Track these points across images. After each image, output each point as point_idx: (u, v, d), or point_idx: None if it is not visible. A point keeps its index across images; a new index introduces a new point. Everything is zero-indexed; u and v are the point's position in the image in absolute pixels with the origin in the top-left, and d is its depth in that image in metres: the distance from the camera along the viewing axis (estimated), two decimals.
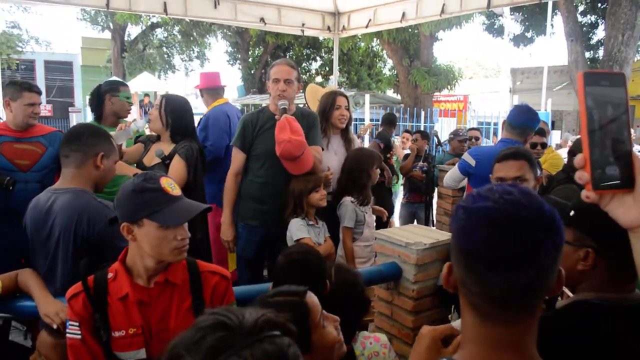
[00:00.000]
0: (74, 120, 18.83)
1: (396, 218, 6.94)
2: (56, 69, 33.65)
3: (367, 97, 11.61)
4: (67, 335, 1.81)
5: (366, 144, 10.50)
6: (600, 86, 0.91)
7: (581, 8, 18.40)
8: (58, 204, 2.31)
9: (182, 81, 31.54)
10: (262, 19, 6.47)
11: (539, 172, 2.96)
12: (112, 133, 2.91)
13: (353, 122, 7.00)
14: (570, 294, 1.68)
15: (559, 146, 7.30)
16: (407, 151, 7.07)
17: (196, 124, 3.88)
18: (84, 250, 2.25)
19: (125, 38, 26.97)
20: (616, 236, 1.40)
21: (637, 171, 0.92)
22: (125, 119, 4.08)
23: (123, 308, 1.81)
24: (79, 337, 1.79)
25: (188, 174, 3.21)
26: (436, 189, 6.22)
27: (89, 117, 4.25)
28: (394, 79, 22.15)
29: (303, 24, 6.86)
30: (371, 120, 12.37)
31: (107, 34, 27.50)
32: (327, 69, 23.98)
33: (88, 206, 2.30)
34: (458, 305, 1.08)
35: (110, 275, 1.86)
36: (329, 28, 7.06)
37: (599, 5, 17.83)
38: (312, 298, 1.66)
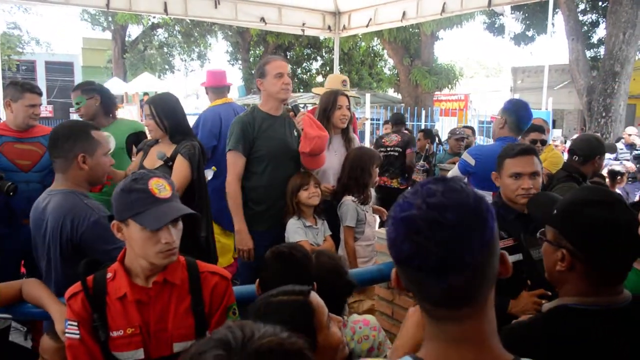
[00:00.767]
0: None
1: None
2: (57, 69, 33.71)
3: (368, 96, 11.60)
4: (66, 335, 1.81)
5: (367, 142, 10.51)
6: None
7: (582, 6, 18.39)
8: (49, 206, 2.32)
9: (182, 81, 31.51)
10: (262, 19, 6.46)
11: None
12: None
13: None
14: None
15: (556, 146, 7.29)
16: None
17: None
18: (68, 252, 2.25)
19: (126, 38, 26.99)
20: (594, 240, 1.45)
21: None
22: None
23: (121, 308, 1.81)
24: (78, 336, 1.79)
25: (192, 173, 3.22)
26: None
27: None
28: (394, 78, 22.14)
29: (303, 24, 6.86)
30: (371, 119, 12.38)
31: (108, 35, 27.55)
32: (328, 68, 23.95)
33: (73, 208, 2.28)
34: None
35: (109, 275, 1.86)
36: (329, 27, 7.05)
37: (600, 3, 17.84)
38: (316, 298, 1.65)
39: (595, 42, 19.68)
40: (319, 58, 25.64)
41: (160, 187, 1.81)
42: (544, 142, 4.63)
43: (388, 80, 23.48)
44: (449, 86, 19.61)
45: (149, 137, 4.12)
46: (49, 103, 31.19)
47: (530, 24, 19.78)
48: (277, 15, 6.61)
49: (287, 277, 1.80)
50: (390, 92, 24.29)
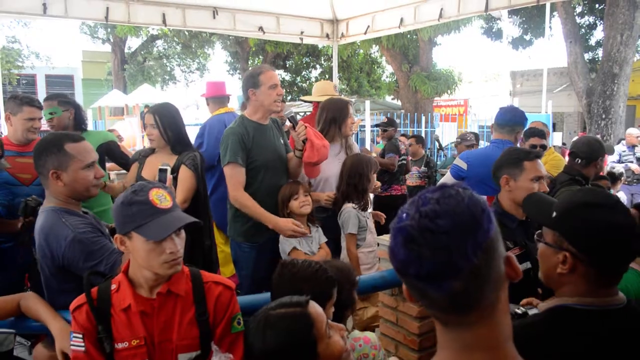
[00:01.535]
0: None
1: None
2: (57, 82, 33.79)
3: (367, 103, 11.61)
4: (71, 347, 1.81)
5: (367, 144, 10.52)
6: None
7: (579, 9, 18.42)
8: (37, 225, 2.31)
9: (182, 92, 31.57)
10: (260, 28, 6.49)
11: None
12: None
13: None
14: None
15: (559, 149, 7.29)
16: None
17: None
18: (56, 270, 2.23)
19: (126, 50, 27.09)
20: (595, 242, 1.46)
21: None
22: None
23: (126, 319, 1.81)
24: (83, 349, 1.78)
25: (197, 183, 3.23)
26: None
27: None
28: (393, 85, 22.18)
29: (302, 32, 6.89)
30: (372, 126, 12.37)
31: (108, 47, 27.65)
32: (327, 76, 24.00)
33: (51, 228, 2.23)
34: None
35: (113, 286, 1.86)
36: (327, 35, 7.08)
37: (597, 6, 17.86)
38: (315, 308, 1.65)
39: (593, 44, 19.70)
40: (318, 66, 25.68)
41: (161, 198, 1.81)
42: (544, 147, 4.64)
43: (387, 87, 23.52)
44: (448, 91, 19.63)
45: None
46: None
47: (527, 27, 19.81)
48: (276, 24, 6.64)
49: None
50: (389, 99, 24.33)
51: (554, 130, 15.86)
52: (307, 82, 25.43)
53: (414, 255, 0.93)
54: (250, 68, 24.67)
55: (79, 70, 35.81)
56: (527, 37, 20.37)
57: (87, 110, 16.97)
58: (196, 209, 3.22)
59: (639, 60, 18.80)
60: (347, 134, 3.90)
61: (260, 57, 25.08)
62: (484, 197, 1.04)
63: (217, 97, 4.85)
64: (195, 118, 17.90)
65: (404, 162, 6.75)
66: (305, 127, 3.38)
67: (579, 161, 3.64)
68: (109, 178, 5.35)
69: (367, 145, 10.58)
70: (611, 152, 8.30)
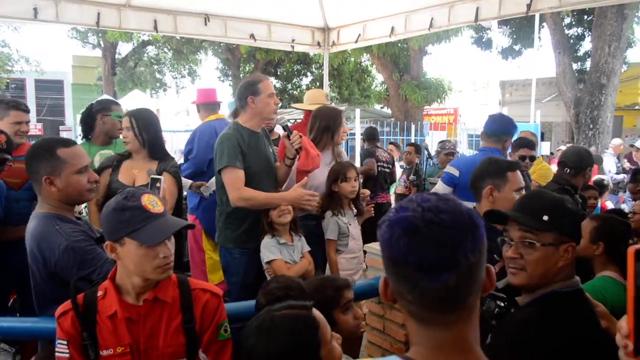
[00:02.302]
0: None
1: None
2: (47, 87, 33.64)
3: (358, 111, 11.66)
4: (56, 353, 1.80)
5: (357, 152, 10.54)
6: None
7: (568, 20, 18.62)
8: (28, 230, 2.29)
9: (173, 99, 31.51)
10: (252, 36, 6.49)
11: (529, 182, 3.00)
12: None
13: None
14: None
15: (547, 158, 7.37)
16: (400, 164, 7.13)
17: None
18: (48, 277, 2.22)
19: (116, 56, 27.00)
20: (578, 227, 1.86)
21: None
22: (117, 139, 4.07)
23: (111, 326, 1.80)
24: (67, 355, 1.77)
25: (178, 192, 3.25)
26: None
27: (80, 136, 4.22)
28: (383, 93, 22.27)
29: (293, 40, 6.90)
30: (362, 134, 12.42)
31: (98, 52, 27.54)
32: (318, 84, 24.06)
33: (44, 235, 2.21)
34: None
35: (100, 293, 1.85)
36: (318, 43, 7.09)
37: (585, 17, 18.05)
38: (318, 313, 1.66)
39: (582, 55, 19.90)
40: (309, 74, 25.75)
41: (153, 203, 1.82)
42: (532, 158, 4.67)
43: (377, 96, 23.61)
44: (438, 100, 19.74)
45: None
46: (38, 121, 31.03)
47: (517, 38, 19.98)
48: (267, 32, 6.64)
49: None
50: (378, 107, 24.41)
51: (542, 139, 15.98)
52: (298, 89, 25.48)
53: (417, 246, 0.96)
54: (241, 75, 24.76)
55: (68, 75, 35.62)
56: (517, 47, 20.54)
57: (76, 115, 16.90)
58: (178, 215, 3.28)
59: (627, 71, 19.04)
60: (339, 143, 3.96)
61: (251, 64, 25.11)
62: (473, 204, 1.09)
63: (207, 104, 4.87)
64: (185, 124, 17.84)
65: (387, 169, 6.79)
66: (300, 136, 3.41)
67: (568, 171, 3.67)
68: None
69: (357, 155, 10.62)
70: (599, 162, 8.40)
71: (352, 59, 22.00)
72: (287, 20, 6.72)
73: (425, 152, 7.22)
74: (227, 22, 6.29)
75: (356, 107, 16.53)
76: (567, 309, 1.70)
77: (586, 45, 19.49)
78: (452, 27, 6.53)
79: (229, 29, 6.33)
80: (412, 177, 6.71)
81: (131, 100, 16.36)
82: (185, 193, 5.30)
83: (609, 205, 7.23)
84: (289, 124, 3.94)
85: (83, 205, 3.57)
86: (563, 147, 11.58)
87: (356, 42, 6.79)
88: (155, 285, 1.84)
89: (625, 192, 8.34)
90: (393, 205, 6.92)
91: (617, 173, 8.78)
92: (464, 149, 15.33)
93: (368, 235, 3.83)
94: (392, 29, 6.20)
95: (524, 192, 2.55)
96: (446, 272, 0.96)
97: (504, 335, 1.74)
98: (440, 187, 3.84)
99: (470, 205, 1.21)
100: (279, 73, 25.22)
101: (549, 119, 21.28)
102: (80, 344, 1.78)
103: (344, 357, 2.00)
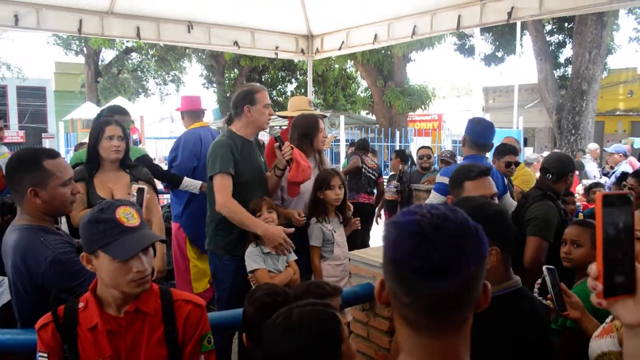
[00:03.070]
0: (47, 146, 18.56)
1: (374, 239, 6.96)
2: (29, 94, 33.26)
3: (342, 118, 11.69)
4: None
5: (342, 159, 10.56)
6: (613, 207, 0.99)
7: (549, 28, 18.88)
8: (9, 243, 2.22)
9: (157, 105, 31.33)
10: (236, 43, 6.51)
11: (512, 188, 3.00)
12: None
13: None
14: None
15: (529, 164, 7.41)
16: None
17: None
18: (32, 290, 2.17)
19: (100, 62, 26.80)
20: (510, 235, 1.87)
21: (639, 278, 1.00)
22: None
23: (92, 338, 1.77)
24: None
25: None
26: None
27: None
28: (368, 100, 22.37)
29: (277, 47, 6.92)
30: (346, 140, 12.46)
31: (81, 59, 27.31)
32: (303, 90, 24.07)
33: (29, 249, 2.16)
34: None
35: (81, 305, 1.82)
36: (302, 51, 7.12)
37: (566, 24, 18.32)
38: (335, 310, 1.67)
39: (563, 61, 20.20)
40: (293, 80, 25.77)
41: (128, 216, 1.78)
42: (517, 164, 4.72)
43: (362, 102, 23.71)
44: (422, 107, 19.87)
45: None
46: (20, 128, 30.75)
47: (499, 45, 20.22)
48: (251, 39, 6.66)
49: None
50: (364, 114, 24.51)
51: (525, 145, 16.15)
52: (283, 96, 25.48)
53: (422, 248, 0.97)
54: (226, 82, 24.66)
55: (51, 82, 35.24)
56: (499, 54, 20.80)
57: (59, 122, 16.72)
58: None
59: (607, 77, 19.33)
60: (319, 149, 3.92)
61: (235, 70, 25.09)
62: None
63: (192, 112, 4.86)
64: (170, 131, 17.79)
65: (373, 177, 6.80)
66: (292, 147, 3.43)
67: (550, 177, 3.70)
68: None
69: (341, 161, 10.65)
70: (581, 168, 8.48)
71: (337, 66, 22.08)
72: (270, 28, 6.74)
73: (409, 159, 7.29)
74: (210, 29, 6.29)
75: (341, 113, 16.59)
76: (505, 311, 1.70)
77: (567, 52, 19.81)
78: (435, 35, 6.59)
79: (213, 36, 6.34)
80: (395, 182, 6.74)
81: None
82: (169, 201, 5.29)
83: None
84: (278, 130, 3.94)
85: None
86: (546, 153, 11.69)
87: (340, 49, 6.83)
88: (137, 296, 1.82)
89: None
90: (376, 209, 6.99)
91: (604, 175, 8.87)
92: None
93: (351, 243, 3.85)
94: (376, 36, 6.25)
95: (496, 200, 2.56)
96: (447, 277, 0.96)
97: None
98: (434, 197, 3.83)
99: None
100: (263, 80, 25.21)
101: (531, 124, 21.53)
102: (61, 357, 1.75)
103: None
